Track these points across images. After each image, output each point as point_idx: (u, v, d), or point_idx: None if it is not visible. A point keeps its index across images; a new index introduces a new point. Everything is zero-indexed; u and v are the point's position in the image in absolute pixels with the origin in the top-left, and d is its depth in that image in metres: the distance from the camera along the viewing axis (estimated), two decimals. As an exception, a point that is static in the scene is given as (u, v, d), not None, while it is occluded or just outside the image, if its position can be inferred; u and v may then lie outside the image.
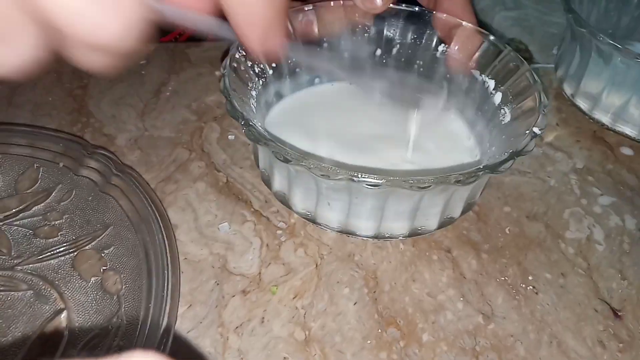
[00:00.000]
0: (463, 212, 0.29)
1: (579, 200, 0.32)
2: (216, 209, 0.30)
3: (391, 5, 0.31)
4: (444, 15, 0.31)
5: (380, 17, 0.33)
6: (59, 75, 0.39)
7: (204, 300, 0.26)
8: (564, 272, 0.28)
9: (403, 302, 0.26)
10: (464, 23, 0.31)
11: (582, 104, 0.38)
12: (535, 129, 0.25)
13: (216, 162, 0.33)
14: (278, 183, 0.29)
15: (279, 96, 0.34)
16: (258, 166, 0.31)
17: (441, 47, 0.33)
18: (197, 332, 0.25)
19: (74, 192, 0.30)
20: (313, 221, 0.29)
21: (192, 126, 0.36)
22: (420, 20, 0.33)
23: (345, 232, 0.29)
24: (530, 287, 0.27)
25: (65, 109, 0.36)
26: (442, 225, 0.29)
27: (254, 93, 0.30)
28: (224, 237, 0.29)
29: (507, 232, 0.30)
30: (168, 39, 0.49)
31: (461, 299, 0.27)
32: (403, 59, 0.34)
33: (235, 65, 0.28)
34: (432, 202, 0.26)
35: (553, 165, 0.34)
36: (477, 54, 0.31)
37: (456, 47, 0.32)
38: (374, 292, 0.27)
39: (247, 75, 0.29)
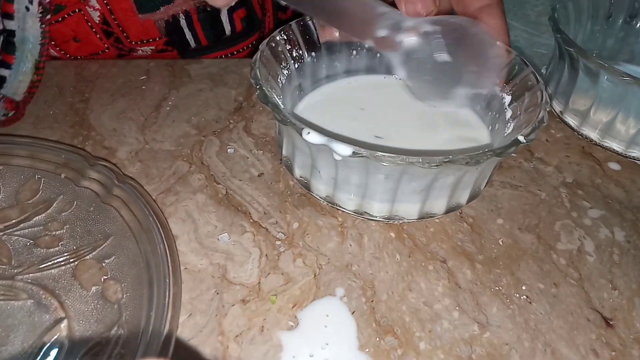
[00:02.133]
0: (469, 200, 0.30)
1: (569, 213, 0.33)
2: (216, 220, 0.31)
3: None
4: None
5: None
6: (61, 89, 0.40)
7: (204, 309, 0.26)
8: (556, 282, 0.29)
9: (400, 311, 0.27)
10: (497, 42, 0.32)
11: (571, 120, 0.39)
12: (535, 123, 0.27)
13: (216, 174, 0.34)
14: (300, 169, 0.31)
15: (302, 89, 0.36)
16: (281, 155, 0.33)
17: None
18: (197, 340, 0.25)
19: (75, 202, 0.30)
20: (332, 203, 0.30)
21: (192, 140, 0.36)
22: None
23: (360, 213, 0.30)
24: (524, 296, 0.28)
25: (67, 122, 0.37)
26: (449, 210, 0.30)
27: (281, 80, 0.32)
28: (224, 248, 0.29)
29: (501, 243, 0.31)
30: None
31: (457, 308, 0.27)
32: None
33: (265, 58, 0.31)
34: (442, 185, 0.28)
35: (544, 179, 0.35)
36: (504, 72, 0.32)
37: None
38: (372, 301, 0.27)
39: (274, 68, 0.32)
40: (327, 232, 0.30)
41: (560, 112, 0.40)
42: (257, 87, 0.27)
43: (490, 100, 0.33)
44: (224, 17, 0.48)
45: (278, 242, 0.30)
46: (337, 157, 0.24)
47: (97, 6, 0.43)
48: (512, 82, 0.31)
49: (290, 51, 0.33)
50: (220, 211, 0.31)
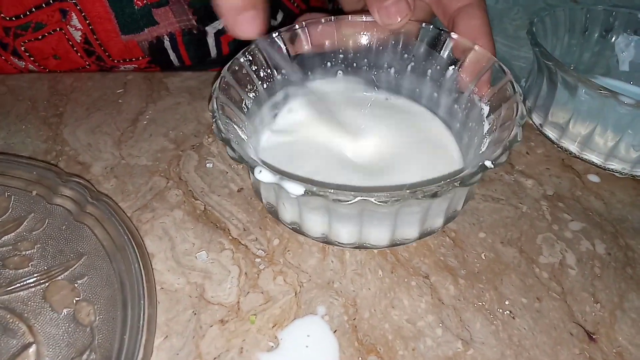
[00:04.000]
0: (446, 222, 0.29)
1: (550, 226, 0.33)
2: (194, 238, 0.30)
3: (410, 20, 0.32)
4: (459, 37, 0.32)
5: (397, 34, 0.34)
6: (34, 103, 0.39)
7: (180, 331, 0.25)
8: (539, 296, 0.29)
9: (383, 329, 0.26)
10: (476, 47, 0.31)
11: (551, 133, 0.39)
12: (506, 143, 0.26)
13: (194, 190, 0.33)
14: (266, 196, 0.30)
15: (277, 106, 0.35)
16: (251, 182, 0.32)
17: (451, 68, 0.33)
18: (173, 364, 0.24)
19: (47, 221, 0.29)
20: (299, 232, 0.29)
21: (169, 154, 0.36)
22: (434, 40, 0.33)
23: (328, 242, 0.29)
24: (507, 311, 0.28)
25: (40, 137, 0.36)
26: (423, 234, 0.29)
27: (246, 105, 0.31)
28: (202, 266, 0.28)
29: (483, 257, 0.30)
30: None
31: (440, 325, 0.27)
32: (415, 77, 0.35)
33: (226, 86, 0.29)
34: (410, 215, 0.27)
35: (525, 192, 0.35)
36: (483, 78, 0.31)
37: (465, 70, 0.32)
38: (354, 319, 0.27)
39: (238, 93, 0.30)
40: (309, 249, 0.30)
41: (540, 125, 0.40)
42: (213, 119, 0.26)
43: (470, 110, 0.32)
44: (211, 41, 0.47)
45: (258, 260, 0.29)
46: (292, 196, 0.24)
47: (80, 26, 0.42)
48: (492, 91, 0.30)
49: (257, 72, 0.32)
50: (198, 228, 0.30)
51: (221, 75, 0.29)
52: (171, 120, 0.39)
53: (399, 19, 0.31)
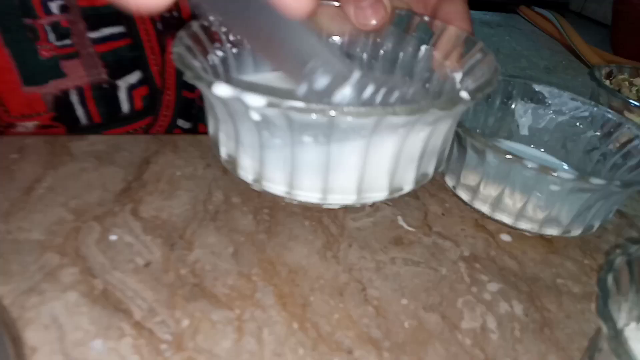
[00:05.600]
0: (416, 183, 0.28)
1: (469, 289, 0.33)
2: (88, 324, 0.26)
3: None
4: (431, 19, 0.33)
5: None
6: None
7: None
8: (463, 365, 0.28)
9: (304, 417, 0.24)
10: (450, 27, 0.32)
11: (463, 195, 0.40)
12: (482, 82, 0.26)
13: (93, 266, 0.30)
14: (225, 146, 0.28)
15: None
16: (209, 135, 0.30)
17: (423, 48, 0.33)
18: None
19: None
20: (260, 185, 0.27)
21: (67, 227, 0.32)
22: (407, 24, 0.34)
23: (291, 195, 0.27)
24: (433, 385, 0.26)
25: None
26: (392, 191, 0.28)
27: (212, 59, 0.30)
28: (96, 358, 0.25)
29: (407, 326, 0.29)
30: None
31: (365, 406, 0.25)
32: (388, 60, 0.35)
33: (193, 32, 0.28)
34: (381, 148, 0.25)
35: (443, 254, 0.35)
36: (456, 54, 0.32)
37: (438, 48, 0.33)
38: (272, 408, 0.24)
39: (206, 45, 0.29)
40: (223, 328, 0.27)
41: (454, 187, 0.41)
42: (174, 46, 0.24)
43: (442, 86, 0.32)
44: (123, 95, 0.45)
45: (164, 346, 0.26)
46: (254, 116, 0.21)
47: None
48: (465, 60, 0.31)
49: (226, 34, 0.30)
50: (95, 312, 0.27)
51: (190, 22, 0.27)
52: (73, 188, 0.35)
53: (376, 22, 0.30)
